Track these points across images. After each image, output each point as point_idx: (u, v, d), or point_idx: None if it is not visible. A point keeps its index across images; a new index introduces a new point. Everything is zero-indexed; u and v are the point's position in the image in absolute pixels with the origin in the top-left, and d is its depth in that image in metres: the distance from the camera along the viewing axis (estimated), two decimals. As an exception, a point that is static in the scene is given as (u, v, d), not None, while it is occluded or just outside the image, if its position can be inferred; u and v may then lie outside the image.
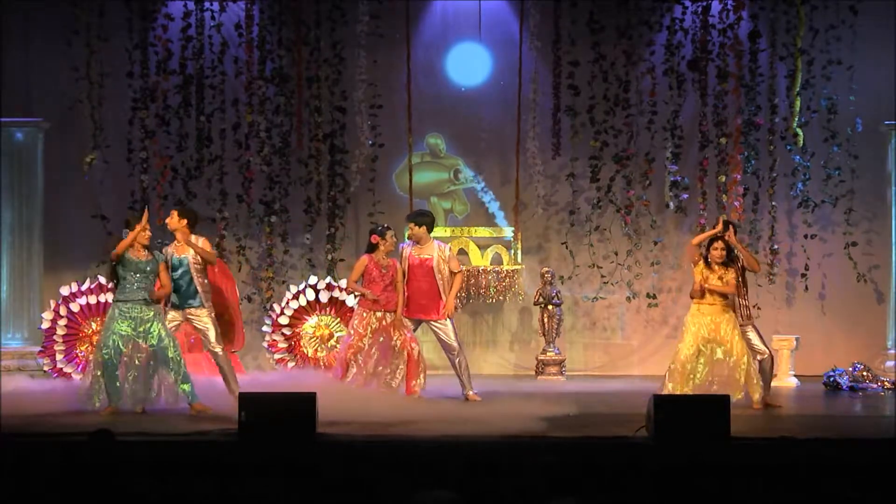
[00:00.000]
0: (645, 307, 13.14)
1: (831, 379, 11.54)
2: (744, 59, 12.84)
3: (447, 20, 13.38)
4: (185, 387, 9.45)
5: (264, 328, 11.98)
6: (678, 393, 9.55)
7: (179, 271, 9.86)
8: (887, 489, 6.68)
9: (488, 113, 13.29)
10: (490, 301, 12.88)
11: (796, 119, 12.77)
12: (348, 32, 12.95)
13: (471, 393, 10.41)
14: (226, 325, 11.48)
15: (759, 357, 9.96)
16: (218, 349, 9.96)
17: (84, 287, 11.55)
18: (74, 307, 11.45)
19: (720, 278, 9.88)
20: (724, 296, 9.88)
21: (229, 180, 12.96)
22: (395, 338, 10.30)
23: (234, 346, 11.50)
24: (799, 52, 12.74)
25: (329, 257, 12.93)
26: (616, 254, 12.99)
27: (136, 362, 9.42)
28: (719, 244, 9.96)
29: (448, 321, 10.45)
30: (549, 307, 12.48)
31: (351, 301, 11.79)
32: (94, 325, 11.51)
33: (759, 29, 12.83)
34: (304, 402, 7.75)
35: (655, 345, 13.22)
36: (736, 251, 10.04)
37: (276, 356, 11.78)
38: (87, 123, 12.85)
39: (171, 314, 9.89)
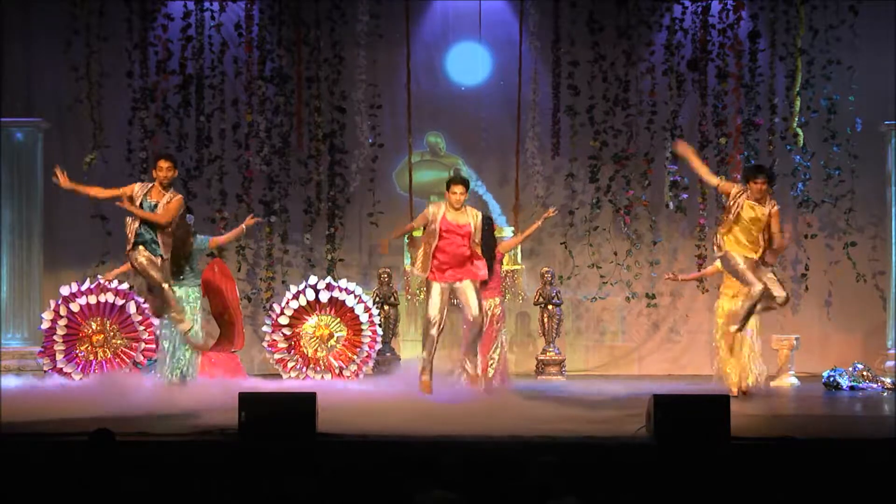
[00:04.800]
0: (644, 307, 13.16)
1: (831, 379, 11.54)
2: (743, 58, 12.86)
3: (447, 20, 13.41)
4: None
5: (264, 328, 11.96)
6: None
7: None
8: (887, 489, 6.68)
9: (488, 113, 13.30)
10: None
11: (796, 119, 12.79)
12: (348, 32, 12.97)
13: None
14: (226, 325, 11.52)
15: None
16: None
17: (84, 287, 11.53)
18: (74, 307, 11.44)
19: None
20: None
21: (229, 180, 12.97)
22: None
23: (234, 345, 11.51)
24: (799, 51, 12.76)
25: (329, 257, 12.94)
26: (616, 254, 13.00)
27: None
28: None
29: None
30: (549, 307, 12.48)
31: (351, 301, 11.77)
32: (93, 325, 11.50)
33: (759, 29, 12.85)
34: (305, 402, 7.74)
35: (655, 344, 13.25)
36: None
37: (276, 356, 11.77)
38: (87, 123, 12.86)
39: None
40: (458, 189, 9.79)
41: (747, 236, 9.47)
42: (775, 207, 9.50)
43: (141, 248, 9.57)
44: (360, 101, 13.01)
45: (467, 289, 9.82)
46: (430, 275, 9.77)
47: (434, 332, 9.81)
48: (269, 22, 12.99)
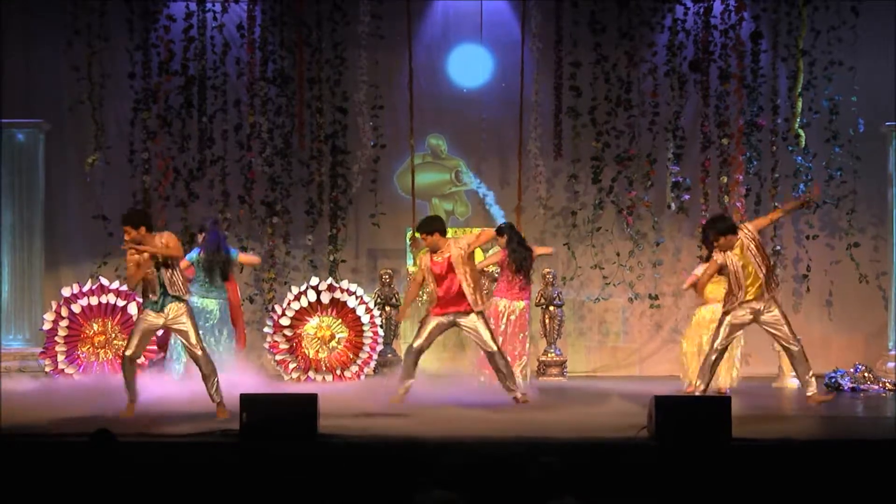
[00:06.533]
0: (647, 308, 13.15)
1: (832, 380, 11.52)
2: (745, 59, 12.85)
3: (448, 21, 13.40)
4: None
5: (266, 329, 11.96)
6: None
7: None
8: (887, 489, 6.67)
9: (490, 114, 13.29)
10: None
11: (798, 120, 12.78)
12: (349, 33, 12.96)
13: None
14: (226, 326, 11.50)
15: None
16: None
17: (85, 288, 11.54)
18: (76, 308, 11.45)
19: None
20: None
21: (231, 181, 12.97)
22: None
23: (235, 346, 11.52)
24: (801, 52, 12.75)
25: (331, 258, 12.94)
26: (618, 254, 12.99)
27: None
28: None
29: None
30: (551, 308, 12.47)
31: (353, 302, 11.77)
32: (95, 327, 11.51)
33: (761, 30, 12.85)
34: (306, 404, 7.74)
35: (657, 345, 13.24)
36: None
37: (278, 357, 11.77)
38: (89, 124, 12.87)
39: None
40: (421, 236, 9.69)
41: (748, 278, 9.28)
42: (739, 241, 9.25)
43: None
44: (362, 102, 13.00)
45: (477, 327, 9.64)
46: (434, 311, 9.72)
47: (412, 359, 9.68)
48: (271, 23, 12.98)
